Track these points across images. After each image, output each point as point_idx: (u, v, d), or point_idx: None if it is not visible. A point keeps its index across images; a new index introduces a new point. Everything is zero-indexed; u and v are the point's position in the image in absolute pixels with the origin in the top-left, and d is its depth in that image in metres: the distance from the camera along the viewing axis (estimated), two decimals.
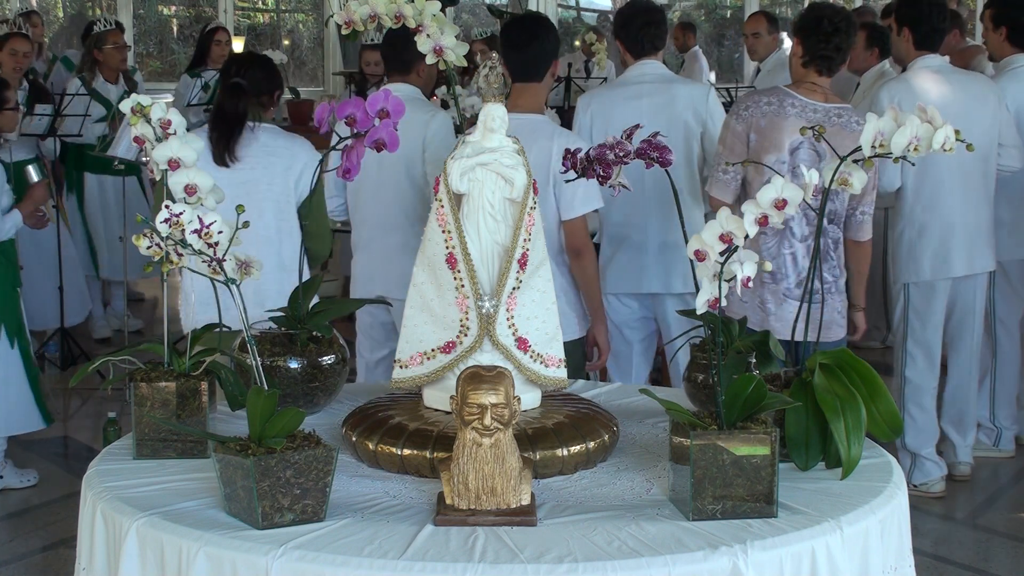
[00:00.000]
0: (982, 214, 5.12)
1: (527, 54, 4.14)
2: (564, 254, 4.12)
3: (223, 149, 3.94)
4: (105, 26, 7.74)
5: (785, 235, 4.18)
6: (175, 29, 14.10)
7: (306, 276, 3.89)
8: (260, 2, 15.16)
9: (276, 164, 4.02)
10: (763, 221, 2.27)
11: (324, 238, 4.14)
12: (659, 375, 5.59)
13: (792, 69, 4.38)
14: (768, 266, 2.33)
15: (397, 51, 4.39)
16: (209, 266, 2.34)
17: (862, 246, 4.32)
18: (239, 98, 3.99)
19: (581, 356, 4.26)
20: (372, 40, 7.29)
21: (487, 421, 2.18)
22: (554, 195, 4.04)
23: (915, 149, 2.37)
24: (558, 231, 4.09)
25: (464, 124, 4.72)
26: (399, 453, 2.46)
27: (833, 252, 4.23)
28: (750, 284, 2.25)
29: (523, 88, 4.16)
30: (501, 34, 4.32)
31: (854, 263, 4.33)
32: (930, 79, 5.02)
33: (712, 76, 12.09)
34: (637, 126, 2.51)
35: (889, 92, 4.95)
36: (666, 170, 2.41)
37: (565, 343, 4.05)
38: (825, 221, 4.16)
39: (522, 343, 2.57)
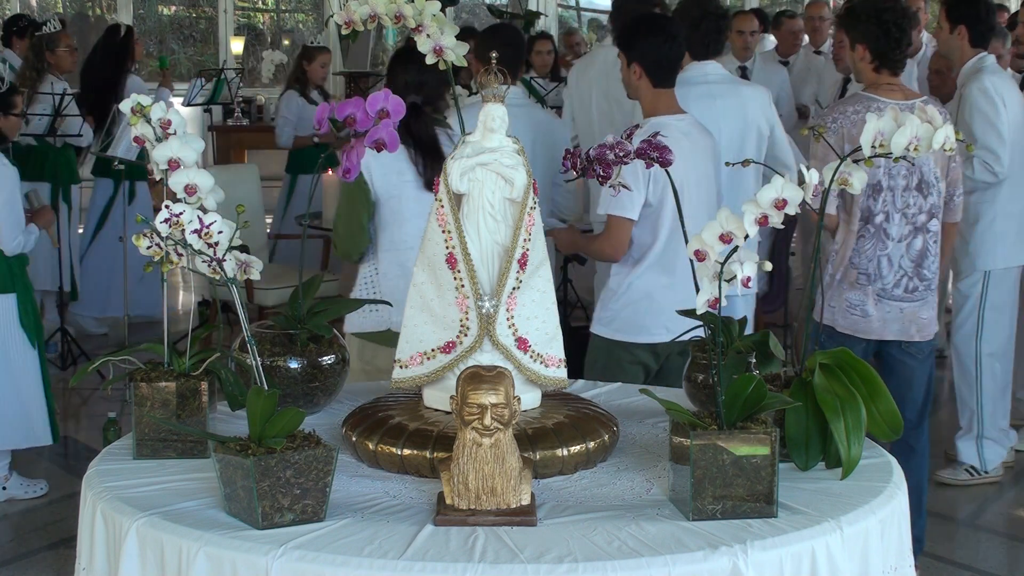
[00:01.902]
0: None
1: (664, 60, 4.13)
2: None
3: (434, 175, 3.90)
4: (52, 28, 7.69)
5: (880, 236, 4.20)
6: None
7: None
8: (260, 2, 15.16)
9: None
10: (763, 221, 2.27)
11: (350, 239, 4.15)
12: None
13: (863, 75, 4.34)
14: (768, 266, 2.33)
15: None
16: (209, 266, 2.35)
17: (955, 226, 4.47)
18: (423, 118, 3.99)
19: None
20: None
21: (487, 421, 2.18)
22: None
23: (915, 149, 2.37)
24: None
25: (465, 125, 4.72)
26: (399, 453, 2.46)
27: (934, 247, 4.25)
28: (750, 284, 2.26)
29: (663, 92, 4.13)
30: (638, 39, 4.24)
31: (946, 243, 4.41)
32: (1006, 76, 5.17)
33: None
34: (637, 126, 2.50)
35: (993, 84, 5.06)
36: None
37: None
38: (927, 217, 4.21)
39: (522, 343, 2.57)
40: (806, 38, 8.74)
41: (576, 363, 3.71)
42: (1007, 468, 5.55)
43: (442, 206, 2.56)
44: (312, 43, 8.75)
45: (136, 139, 2.53)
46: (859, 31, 4.30)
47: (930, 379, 4.39)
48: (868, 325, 4.22)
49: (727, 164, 3.37)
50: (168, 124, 2.49)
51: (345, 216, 4.10)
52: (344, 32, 2.95)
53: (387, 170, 3.99)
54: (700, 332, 2.76)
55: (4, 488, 5.22)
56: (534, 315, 2.58)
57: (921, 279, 4.21)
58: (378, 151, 2.53)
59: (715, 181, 4.15)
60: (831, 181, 2.43)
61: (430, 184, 3.97)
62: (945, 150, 2.38)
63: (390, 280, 4.05)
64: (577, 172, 2.45)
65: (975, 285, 5.27)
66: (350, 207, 4.09)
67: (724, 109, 4.63)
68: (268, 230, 8.07)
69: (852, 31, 4.35)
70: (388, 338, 3.96)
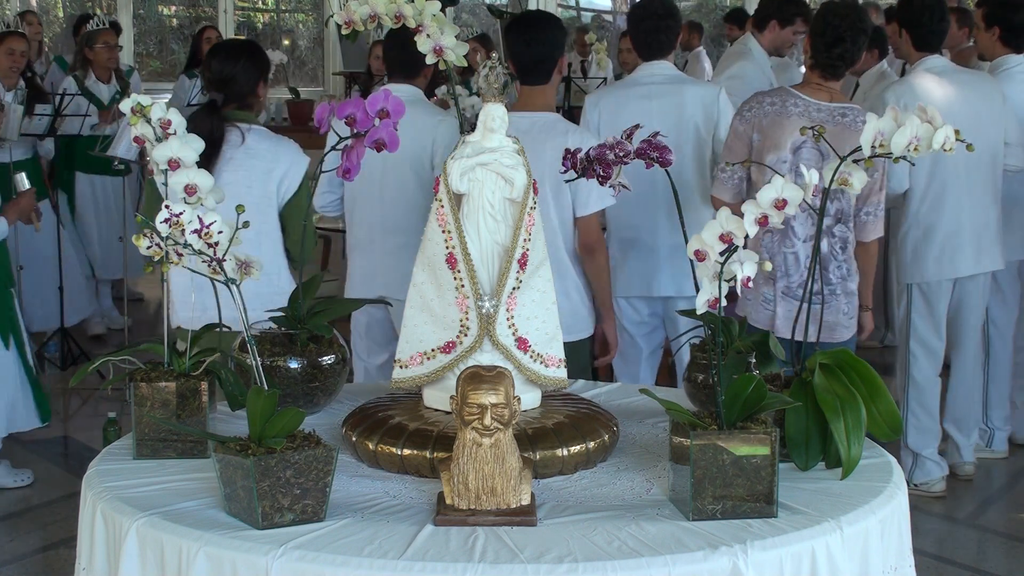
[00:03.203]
0: (990, 213, 5.13)
1: (530, 56, 4.14)
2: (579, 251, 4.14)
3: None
4: (98, 25, 7.74)
5: (787, 234, 4.19)
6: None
7: (288, 279, 3.90)
8: (260, 2, 15.16)
9: (257, 167, 3.96)
10: (763, 221, 2.27)
11: (306, 242, 4.08)
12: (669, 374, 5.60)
13: (805, 67, 4.38)
14: (768, 265, 2.33)
15: (406, 52, 4.30)
16: (209, 266, 2.34)
17: (867, 247, 4.32)
18: (213, 117, 3.90)
19: (591, 353, 4.26)
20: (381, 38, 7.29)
21: (487, 421, 2.18)
22: (570, 192, 4.05)
23: (915, 149, 2.37)
24: (574, 228, 4.11)
25: (465, 124, 4.72)
26: (399, 453, 2.46)
27: (841, 253, 4.22)
28: (750, 284, 2.26)
29: (531, 89, 4.16)
30: (504, 35, 4.32)
31: (860, 263, 4.34)
32: (933, 80, 5.02)
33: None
34: (637, 126, 2.51)
35: (894, 94, 4.95)
36: (669, 171, 2.41)
37: (577, 341, 4.04)
38: (832, 221, 4.18)
39: (522, 343, 2.57)
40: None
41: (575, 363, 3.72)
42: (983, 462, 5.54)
43: (442, 206, 2.56)
44: (201, 28, 8.71)
45: (136, 139, 2.53)
46: (811, 27, 4.38)
47: None
48: (773, 321, 4.21)
49: (729, 164, 3.37)
50: (168, 124, 2.49)
51: (302, 221, 4.06)
52: (344, 32, 2.95)
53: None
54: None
55: None
56: (534, 315, 2.58)
57: (826, 282, 4.19)
58: (378, 151, 2.53)
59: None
60: (831, 180, 2.42)
61: None
62: (946, 150, 2.38)
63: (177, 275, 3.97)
64: (577, 172, 2.45)
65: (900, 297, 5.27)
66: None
67: (659, 108, 4.66)
68: None
69: (810, 26, 4.40)
70: None
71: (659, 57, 4.79)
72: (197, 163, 3.61)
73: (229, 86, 3.97)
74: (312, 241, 4.14)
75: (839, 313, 4.24)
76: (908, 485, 5.19)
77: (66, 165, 7.61)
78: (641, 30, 4.76)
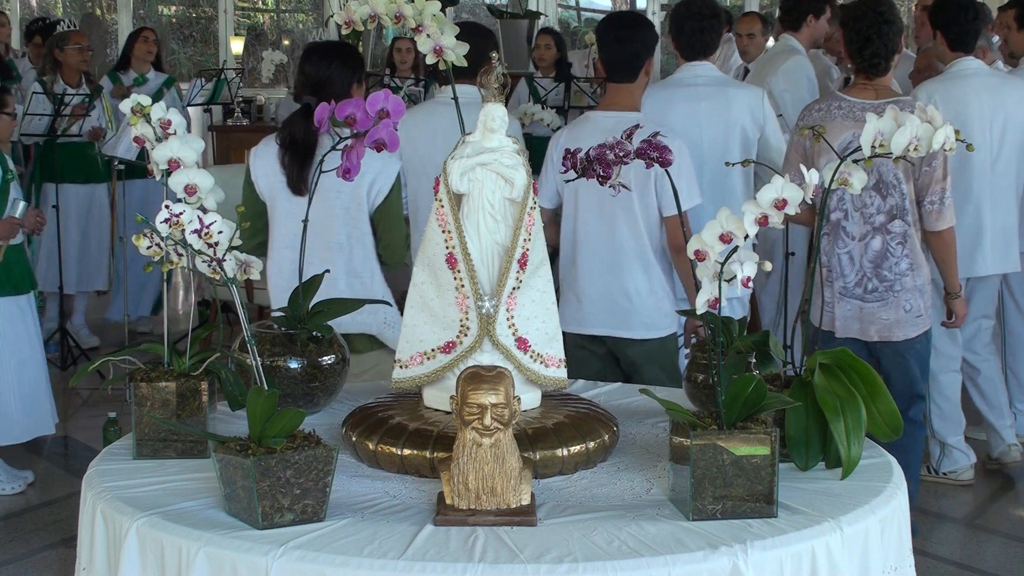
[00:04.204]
0: (1011, 216, 5.18)
1: (621, 53, 4.16)
2: (667, 251, 4.18)
3: (297, 179, 3.85)
4: (68, 27, 7.69)
5: (839, 235, 4.22)
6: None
7: (382, 283, 3.95)
8: (260, 2, 15.16)
9: None
10: (763, 221, 2.27)
11: (396, 247, 4.04)
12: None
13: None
14: (768, 265, 2.33)
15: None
16: (209, 266, 2.34)
17: (940, 235, 4.31)
18: (307, 121, 3.82)
19: (675, 352, 4.29)
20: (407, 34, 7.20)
21: (487, 421, 2.18)
22: (655, 192, 4.09)
23: (915, 149, 2.37)
24: (660, 228, 4.13)
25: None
26: (399, 453, 2.46)
27: (900, 249, 4.23)
28: (750, 284, 2.26)
29: (618, 87, 4.18)
30: (596, 33, 4.30)
31: (934, 252, 4.36)
32: (967, 81, 5.06)
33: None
34: (637, 126, 2.50)
35: (927, 92, 4.98)
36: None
37: (664, 337, 4.09)
38: (887, 217, 4.20)
39: (522, 343, 2.57)
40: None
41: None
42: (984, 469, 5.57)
43: (442, 206, 2.56)
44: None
45: (136, 139, 2.53)
46: (842, 29, 4.38)
47: (913, 377, 4.36)
48: (833, 322, 4.25)
49: (727, 164, 3.38)
50: (168, 124, 2.49)
51: (396, 225, 4.08)
52: (344, 32, 2.94)
53: (267, 171, 3.92)
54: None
55: None
56: (534, 315, 2.58)
57: (881, 280, 4.21)
58: (378, 151, 2.54)
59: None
60: (831, 180, 2.43)
61: (296, 187, 3.87)
62: (946, 150, 2.38)
63: (273, 278, 3.99)
64: (577, 172, 2.45)
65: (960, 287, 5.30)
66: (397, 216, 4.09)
67: (707, 111, 4.65)
68: None
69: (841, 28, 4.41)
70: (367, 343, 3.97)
71: (702, 58, 4.76)
72: (288, 161, 3.64)
73: (323, 88, 3.91)
74: (405, 245, 4.11)
75: (899, 310, 4.25)
76: (936, 474, 5.27)
77: (45, 175, 7.44)
78: (686, 31, 4.71)
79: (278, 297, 3.86)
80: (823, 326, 4.23)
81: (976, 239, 5.09)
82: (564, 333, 2.72)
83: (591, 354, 4.24)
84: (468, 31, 4.40)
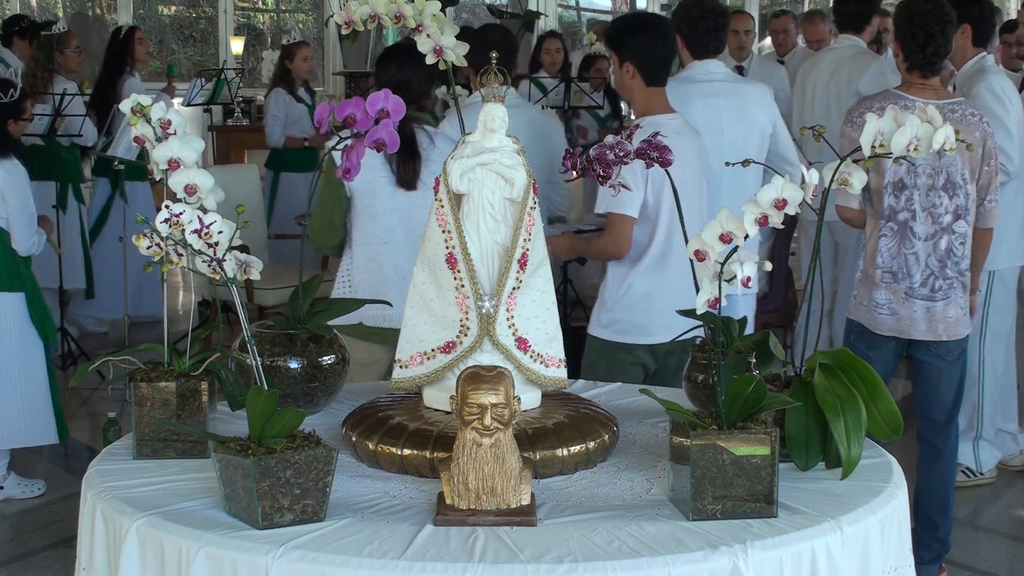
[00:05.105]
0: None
1: (658, 56, 4.17)
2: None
3: (413, 176, 4.00)
4: (61, 28, 7.69)
5: (907, 235, 4.23)
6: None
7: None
8: (260, 2, 15.16)
9: None
10: (763, 221, 2.27)
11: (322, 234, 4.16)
12: None
13: (900, 71, 4.40)
14: (768, 266, 2.33)
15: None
16: (209, 266, 2.34)
17: (989, 232, 4.40)
18: (405, 121, 3.99)
19: None
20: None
21: (487, 421, 2.18)
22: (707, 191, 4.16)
23: (915, 149, 2.37)
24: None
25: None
26: (399, 453, 2.46)
27: (961, 248, 4.25)
28: (750, 284, 2.26)
29: (658, 91, 4.18)
30: (631, 37, 4.27)
31: (981, 250, 4.40)
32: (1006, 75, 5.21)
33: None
34: (637, 126, 2.50)
35: (999, 83, 5.08)
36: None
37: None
38: (952, 218, 4.22)
39: (522, 343, 2.57)
40: (801, 38, 8.76)
41: (576, 363, 3.71)
42: (1000, 469, 5.56)
43: (442, 206, 2.56)
44: (291, 40, 8.77)
45: (136, 139, 2.53)
46: (896, 30, 4.38)
47: (960, 380, 4.39)
48: (897, 324, 4.25)
49: (727, 164, 3.38)
50: (168, 124, 2.49)
51: (319, 210, 4.16)
52: (344, 32, 2.95)
53: (363, 167, 3.98)
54: (700, 331, 2.76)
55: (1, 488, 5.22)
56: (534, 315, 2.58)
57: (945, 278, 4.23)
58: (378, 151, 2.54)
59: (703, 180, 4.18)
60: (831, 180, 2.43)
61: (404, 181, 4.03)
62: (946, 150, 2.38)
63: (362, 273, 4.09)
64: (577, 172, 2.45)
65: (979, 286, 5.30)
66: (325, 202, 4.16)
67: (727, 108, 4.66)
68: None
69: (894, 29, 4.42)
70: (360, 332, 3.98)
71: (713, 56, 4.77)
72: (401, 160, 3.79)
73: (405, 89, 3.98)
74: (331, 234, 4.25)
75: (959, 308, 4.28)
76: (976, 476, 5.35)
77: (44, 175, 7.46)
78: (699, 30, 4.70)
79: (365, 293, 3.94)
80: (881, 330, 4.26)
81: (998, 232, 5.20)
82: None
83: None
84: (498, 34, 4.43)
